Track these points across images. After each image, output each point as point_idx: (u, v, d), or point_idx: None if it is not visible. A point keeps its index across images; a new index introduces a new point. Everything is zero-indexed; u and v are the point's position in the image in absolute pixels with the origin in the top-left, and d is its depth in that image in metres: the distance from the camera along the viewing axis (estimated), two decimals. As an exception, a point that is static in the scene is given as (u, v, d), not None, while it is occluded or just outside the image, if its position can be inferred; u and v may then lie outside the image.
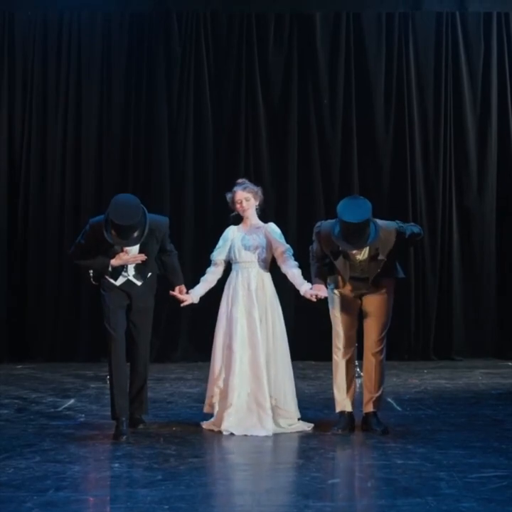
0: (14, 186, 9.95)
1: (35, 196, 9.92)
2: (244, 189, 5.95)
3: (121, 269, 5.77)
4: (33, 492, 4.25)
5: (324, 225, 5.69)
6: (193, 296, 5.99)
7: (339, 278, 5.73)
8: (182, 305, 6.03)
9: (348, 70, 10.02)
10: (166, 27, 10.00)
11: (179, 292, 5.97)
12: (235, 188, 5.98)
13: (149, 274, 5.88)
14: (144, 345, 5.93)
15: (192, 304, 6.05)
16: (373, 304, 5.75)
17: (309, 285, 5.74)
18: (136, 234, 5.54)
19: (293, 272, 5.86)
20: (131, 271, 5.82)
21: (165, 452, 5.15)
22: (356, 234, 5.40)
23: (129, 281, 5.82)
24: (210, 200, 9.89)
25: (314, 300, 5.70)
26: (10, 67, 9.96)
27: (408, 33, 10.06)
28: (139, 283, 5.84)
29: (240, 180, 6.07)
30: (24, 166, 9.94)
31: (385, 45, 10.05)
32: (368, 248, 5.58)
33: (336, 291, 5.78)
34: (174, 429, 5.88)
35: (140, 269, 5.82)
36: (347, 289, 5.75)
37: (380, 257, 5.58)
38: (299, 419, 5.87)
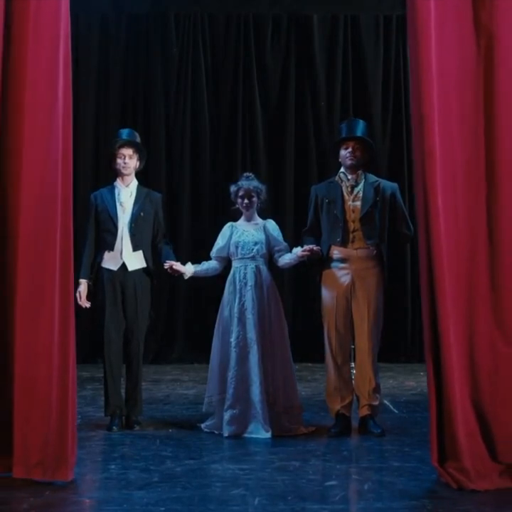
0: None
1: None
2: (249, 186, 5.86)
3: (115, 236, 5.91)
4: (30, 493, 4.24)
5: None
6: (187, 268, 5.90)
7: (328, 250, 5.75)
8: (174, 267, 5.85)
9: (346, 72, 10.03)
10: (163, 28, 10.00)
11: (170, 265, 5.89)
12: (241, 183, 5.88)
13: (143, 263, 5.94)
14: (136, 343, 5.98)
15: (181, 275, 5.92)
16: (363, 305, 5.71)
17: (299, 248, 5.74)
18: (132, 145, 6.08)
19: (284, 257, 5.85)
20: (126, 244, 5.91)
21: (161, 454, 5.15)
22: (352, 123, 5.90)
23: (123, 266, 5.90)
24: (207, 201, 9.89)
25: (308, 253, 5.65)
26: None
27: (406, 36, 10.04)
28: (130, 267, 5.90)
29: (246, 174, 5.98)
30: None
31: (382, 47, 10.06)
32: (362, 192, 5.72)
33: (326, 289, 5.77)
34: (170, 430, 5.87)
35: (135, 242, 5.91)
36: (336, 279, 5.73)
37: (376, 183, 5.74)
38: (301, 414, 5.85)
